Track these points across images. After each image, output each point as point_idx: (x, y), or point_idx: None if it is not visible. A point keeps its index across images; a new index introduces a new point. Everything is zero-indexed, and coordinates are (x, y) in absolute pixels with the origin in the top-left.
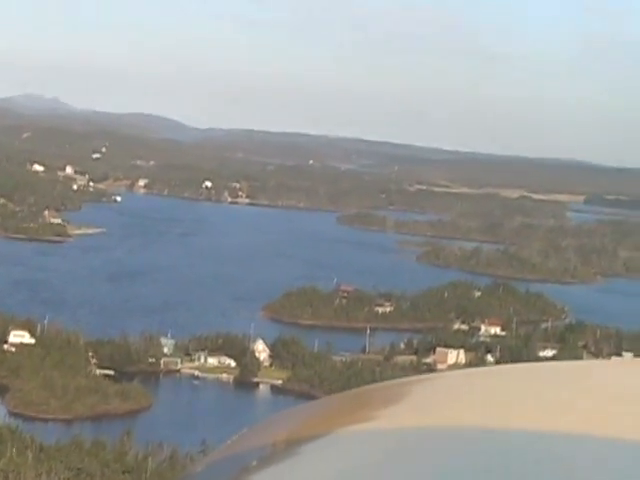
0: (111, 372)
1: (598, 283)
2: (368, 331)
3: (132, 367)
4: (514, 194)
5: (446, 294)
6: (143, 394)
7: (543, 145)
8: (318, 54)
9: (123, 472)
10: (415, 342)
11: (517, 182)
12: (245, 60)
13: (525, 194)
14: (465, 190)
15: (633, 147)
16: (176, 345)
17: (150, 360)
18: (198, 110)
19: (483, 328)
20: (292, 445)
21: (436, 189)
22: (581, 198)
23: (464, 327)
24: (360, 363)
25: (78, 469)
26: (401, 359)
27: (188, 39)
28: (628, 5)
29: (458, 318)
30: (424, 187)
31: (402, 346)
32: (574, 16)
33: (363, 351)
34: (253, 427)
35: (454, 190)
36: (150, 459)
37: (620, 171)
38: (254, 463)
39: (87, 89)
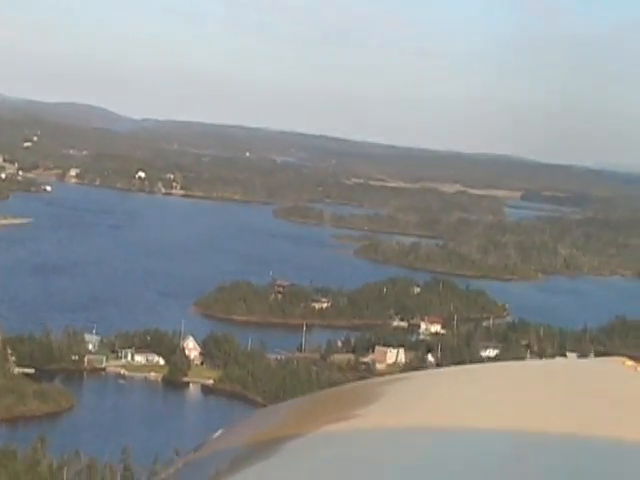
0: (31, 370)
1: (538, 280)
2: (304, 328)
3: (54, 365)
4: (451, 189)
5: (385, 290)
6: (64, 395)
7: (478, 141)
8: (256, 47)
9: None
10: (353, 340)
11: (453, 177)
12: (182, 51)
13: (462, 189)
14: (402, 184)
15: (568, 144)
16: (101, 342)
17: (73, 358)
18: (133, 101)
19: (423, 326)
20: (273, 444)
21: (373, 183)
22: (518, 194)
23: (403, 324)
24: (296, 362)
25: None
26: (338, 358)
27: (124, 29)
28: (562, 1)
29: (397, 315)
30: (361, 181)
31: (339, 344)
32: (507, 11)
33: (299, 349)
34: (233, 425)
35: (391, 184)
36: (65, 469)
37: (555, 167)
38: (234, 462)
39: (20, 77)
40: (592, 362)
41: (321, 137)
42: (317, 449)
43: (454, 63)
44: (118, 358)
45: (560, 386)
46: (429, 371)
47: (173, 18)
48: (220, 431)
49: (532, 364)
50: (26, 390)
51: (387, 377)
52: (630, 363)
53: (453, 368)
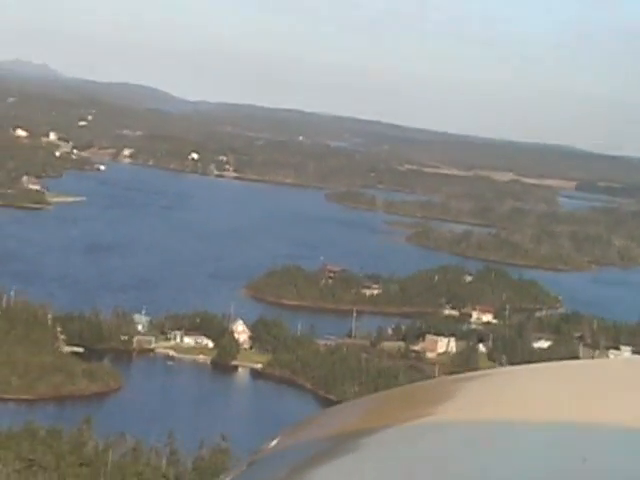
0: (80, 349)
1: (592, 272)
2: (354, 314)
3: (103, 345)
4: (504, 177)
5: (436, 278)
6: (112, 375)
7: (532, 130)
8: (310, 31)
9: (80, 465)
10: (403, 328)
11: (507, 165)
12: (238, 34)
13: (515, 178)
14: (455, 172)
15: (624, 135)
16: (151, 323)
17: (122, 338)
18: (188, 82)
19: (474, 315)
20: (350, 441)
21: (426, 169)
22: (572, 184)
23: (454, 313)
24: (345, 348)
25: (30, 460)
26: (388, 345)
27: (179, 10)
28: None
29: (448, 303)
30: (414, 167)
31: (389, 331)
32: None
33: (349, 335)
34: (303, 421)
35: (444, 171)
36: (111, 451)
37: (611, 158)
38: (312, 459)
39: (77, 57)
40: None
41: (375, 123)
42: (397, 445)
43: (509, 50)
44: (167, 339)
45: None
46: (506, 368)
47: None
48: (289, 427)
49: (613, 362)
50: (75, 369)
51: (462, 375)
52: None
53: (531, 366)
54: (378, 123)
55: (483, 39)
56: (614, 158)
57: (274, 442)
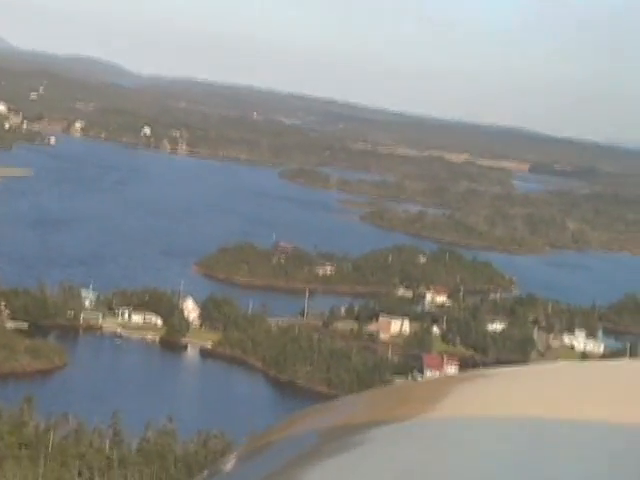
0: (24, 325)
1: (546, 254)
2: (307, 293)
3: (48, 321)
4: (459, 158)
5: (390, 258)
6: (57, 352)
7: (486, 112)
8: (268, 8)
9: (20, 446)
10: (356, 308)
11: (462, 147)
12: (194, 10)
13: (470, 159)
14: (409, 152)
15: (577, 118)
16: (98, 299)
17: (68, 314)
18: (142, 57)
19: (429, 296)
20: (341, 438)
21: (381, 149)
22: (526, 166)
23: (408, 294)
24: (297, 328)
25: None
26: (341, 326)
27: None
28: None
29: (402, 283)
30: (369, 147)
31: (342, 311)
32: None
33: (301, 315)
34: (286, 419)
35: (399, 151)
36: (52, 432)
37: (564, 141)
38: (300, 456)
39: (30, 29)
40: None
41: (330, 102)
42: (388, 444)
43: (465, 34)
44: (115, 316)
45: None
46: (504, 369)
47: None
48: (274, 424)
49: (613, 364)
50: (18, 345)
51: (457, 375)
52: None
53: (531, 366)
54: (333, 102)
55: (439, 21)
56: (567, 141)
57: (260, 438)
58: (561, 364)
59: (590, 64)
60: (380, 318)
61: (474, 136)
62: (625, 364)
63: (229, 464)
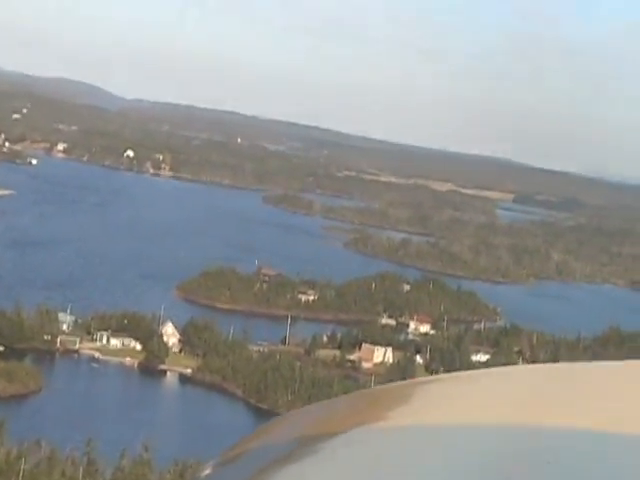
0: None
1: (530, 285)
2: (289, 320)
3: (24, 344)
4: (443, 187)
5: (373, 285)
6: (33, 376)
7: (470, 142)
8: (253, 33)
9: None
10: (339, 335)
11: (445, 175)
12: (178, 34)
13: (454, 188)
14: (394, 179)
15: (560, 149)
16: (76, 322)
17: (45, 337)
18: (126, 80)
19: (412, 325)
20: (305, 446)
21: (365, 176)
22: (510, 196)
23: (392, 322)
24: (279, 356)
25: None
26: (323, 353)
27: (121, 9)
28: (559, 9)
29: (385, 312)
30: (353, 173)
31: (325, 339)
32: (507, 15)
33: (283, 342)
34: (258, 429)
35: (383, 179)
36: (24, 459)
37: (547, 172)
38: (267, 465)
39: (15, 50)
40: (620, 365)
41: (314, 128)
42: (348, 451)
43: (451, 63)
44: (93, 340)
45: (594, 390)
46: (462, 373)
47: (170, 1)
48: (245, 436)
49: (564, 367)
50: None
51: (418, 379)
52: None
53: (485, 370)
54: (317, 128)
55: (424, 49)
56: (551, 172)
57: (232, 450)
58: (514, 368)
59: (574, 97)
60: (363, 346)
61: (458, 165)
62: (585, 366)
63: (204, 475)
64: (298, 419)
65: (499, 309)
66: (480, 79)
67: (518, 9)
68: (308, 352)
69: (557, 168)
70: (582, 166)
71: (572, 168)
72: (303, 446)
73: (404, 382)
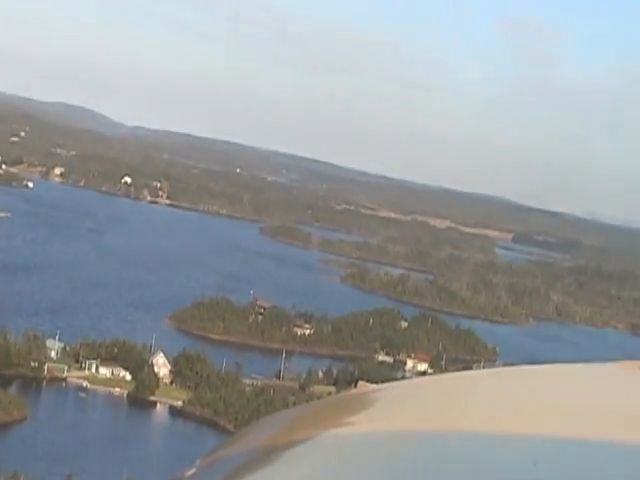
0: None
1: (529, 325)
2: (284, 354)
3: (10, 370)
4: (442, 224)
5: (371, 321)
6: (17, 404)
7: (469, 180)
8: (256, 66)
9: None
10: (335, 371)
11: (444, 213)
12: (182, 64)
13: (452, 225)
14: (392, 215)
15: (558, 191)
16: (65, 350)
17: (32, 364)
18: (127, 107)
19: (410, 363)
20: (269, 454)
21: (363, 211)
22: (509, 236)
23: (389, 359)
24: (272, 390)
25: None
26: (318, 389)
27: (125, 36)
28: (563, 52)
29: (383, 349)
30: (351, 207)
31: (320, 375)
32: (506, 56)
33: (277, 376)
34: (226, 439)
35: (381, 214)
36: None
37: (546, 213)
38: (232, 473)
39: (17, 74)
40: (603, 367)
41: (314, 161)
42: (314, 457)
43: (451, 101)
44: (81, 369)
45: (569, 392)
46: (426, 377)
47: (174, 30)
48: (205, 453)
49: (535, 369)
50: None
51: (383, 385)
52: None
53: (450, 374)
54: (316, 161)
55: (423, 85)
56: (549, 213)
57: (196, 463)
58: (489, 371)
59: (571, 137)
60: (359, 384)
61: (456, 203)
62: (560, 367)
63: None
64: (273, 424)
65: (498, 349)
66: (476, 118)
67: (516, 48)
68: (303, 387)
69: (553, 209)
70: (577, 207)
71: (568, 209)
72: (264, 455)
73: (376, 386)
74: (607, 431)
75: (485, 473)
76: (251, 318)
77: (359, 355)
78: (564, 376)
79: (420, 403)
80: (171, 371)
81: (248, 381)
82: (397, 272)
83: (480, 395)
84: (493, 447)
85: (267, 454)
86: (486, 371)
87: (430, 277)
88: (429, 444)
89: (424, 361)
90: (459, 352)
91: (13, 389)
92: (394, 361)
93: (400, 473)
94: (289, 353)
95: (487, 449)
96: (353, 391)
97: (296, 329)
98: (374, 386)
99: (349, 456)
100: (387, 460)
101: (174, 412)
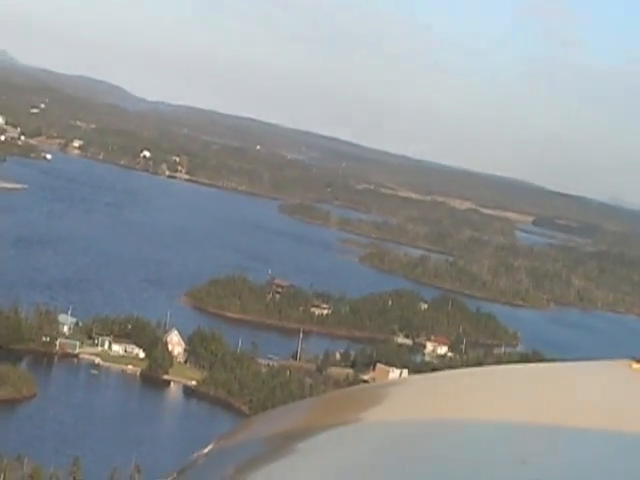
0: None
1: (550, 310)
2: (301, 334)
3: (21, 345)
4: (462, 206)
5: (390, 302)
6: (27, 380)
7: (490, 162)
8: (279, 44)
9: None
10: (352, 353)
11: (465, 194)
12: (204, 40)
13: (473, 207)
14: (412, 195)
15: (581, 175)
16: (77, 325)
17: (44, 339)
18: (148, 82)
19: (429, 346)
20: (280, 446)
21: (383, 190)
22: (529, 219)
23: (408, 342)
24: (289, 372)
25: None
26: (336, 371)
27: (147, 12)
28: (580, 33)
29: (402, 331)
30: (371, 187)
31: (338, 356)
32: (528, 39)
33: (294, 357)
34: (232, 429)
35: (401, 194)
36: (3, 476)
37: (568, 197)
38: (239, 465)
39: (38, 46)
40: (596, 365)
41: (334, 139)
42: (324, 451)
43: (472, 82)
44: (94, 345)
45: (563, 390)
46: (438, 373)
47: (198, 5)
48: (218, 436)
49: (532, 368)
50: None
51: (394, 380)
52: (638, 366)
53: (460, 370)
54: (336, 140)
55: (446, 68)
56: (571, 197)
57: (209, 447)
58: (485, 369)
59: (595, 121)
60: (377, 366)
61: (477, 184)
62: (556, 366)
63: (183, 472)
64: (275, 418)
65: (519, 334)
66: (499, 99)
67: (538, 32)
68: (320, 369)
69: (576, 193)
70: (600, 192)
71: (590, 194)
72: (278, 445)
73: (381, 383)
74: (605, 430)
75: (485, 472)
76: (268, 297)
77: (377, 337)
78: (555, 375)
79: (428, 400)
80: (185, 350)
81: (264, 361)
82: (416, 253)
83: (485, 393)
84: (492, 446)
85: (280, 445)
86: (498, 368)
87: (450, 259)
88: (436, 441)
89: (444, 344)
90: (479, 336)
91: (23, 365)
92: (413, 344)
93: (409, 470)
94: (306, 333)
95: (487, 449)
96: (367, 385)
97: (313, 309)
98: (391, 373)
99: (360, 451)
100: (397, 457)
101: (188, 392)
